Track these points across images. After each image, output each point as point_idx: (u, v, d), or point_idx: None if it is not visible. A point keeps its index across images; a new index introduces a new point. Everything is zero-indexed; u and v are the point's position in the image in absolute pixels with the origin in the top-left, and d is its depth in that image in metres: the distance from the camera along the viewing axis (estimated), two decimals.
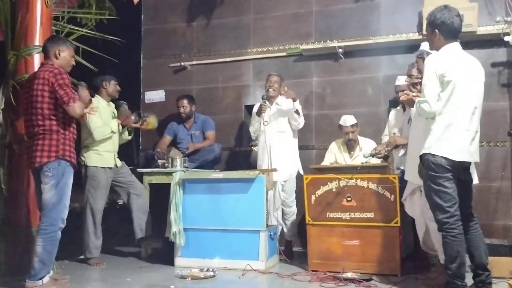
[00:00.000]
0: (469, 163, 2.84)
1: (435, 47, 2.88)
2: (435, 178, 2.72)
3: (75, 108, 3.08)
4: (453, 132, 2.72)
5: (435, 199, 2.74)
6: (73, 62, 3.35)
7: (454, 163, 2.72)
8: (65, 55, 3.24)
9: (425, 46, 3.44)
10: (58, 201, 3.08)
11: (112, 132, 4.18)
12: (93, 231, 4.10)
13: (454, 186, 2.73)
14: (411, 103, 2.92)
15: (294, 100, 4.25)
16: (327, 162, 4.34)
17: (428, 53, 3.32)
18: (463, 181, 2.82)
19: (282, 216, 4.37)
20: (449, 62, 2.73)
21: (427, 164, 2.75)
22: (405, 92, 3.05)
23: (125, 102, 4.44)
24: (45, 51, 3.25)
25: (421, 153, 2.80)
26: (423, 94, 2.73)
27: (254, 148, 5.11)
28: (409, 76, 3.62)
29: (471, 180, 2.92)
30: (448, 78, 2.69)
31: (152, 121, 4.53)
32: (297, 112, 4.28)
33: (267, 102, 4.35)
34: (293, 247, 4.46)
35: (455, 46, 2.82)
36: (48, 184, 3.07)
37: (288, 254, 4.24)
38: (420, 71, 3.41)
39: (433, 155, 2.72)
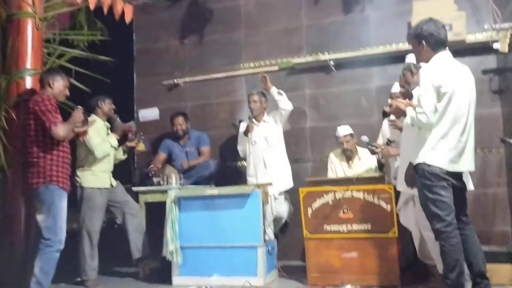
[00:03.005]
0: (462, 173, 2.84)
1: (423, 59, 2.89)
2: (431, 187, 2.71)
3: (58, 131, 3.19)
4: (447, 143, 2.72)
5: (431, 208, 2.72)
6: (67, 93, 3.50)
7: (449, 172, 2.72)
8: (58, 85, 3.40)
9: (411, 58, 3.46)
10: (53, 224, 3.16)
11: (112, 146, 4.19)
12: (90, 253, 4.06)
13: (450, 195, 2.73)
14: (399, 113, 2.90)
15: (269, 89, 4.31)
16: (330, 173, 4.35)
17: (415, 65, 3.34)
18: (457, 189, 2.81)
19: (275, 227, 4.37)
20: (444, 73, 2.74)
21: (422, 174, 2.74)
22: (391, 102, 3.03)
23: (116, 115, 4.41)
24: (40, 81, 3.44)
25: (415, 163, 2.80)
26: (420, 105, 2.72)
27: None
28: (402, 86, 3.64)
29: (465, 187, 2.92)
30: (444, 89, 2.70)
31: (142, 145, 4.55)
32: (279, 93, 4.32)
33: (254, 120, 4.38)
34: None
35: (446, 55, 2.84)
36: (40, 209, 3.18)
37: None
38: (408, 83, 3.44)
39: (428, 165, 2.72)
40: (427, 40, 2.82)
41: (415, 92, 3.29)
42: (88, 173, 4.11)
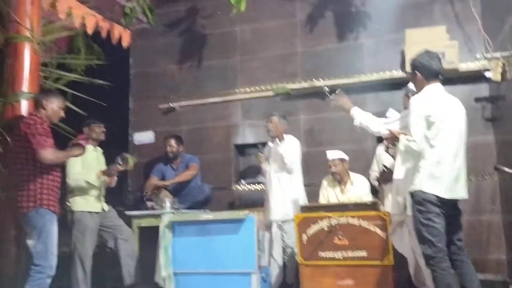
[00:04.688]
0: (457, 200, 2.87)
1: (418, 88, 3.02)
2: (425, 214, 2.78)
3: (46, 155, 3.14)
4: (441, 171, 2.79)
5: (424, 234, 2.78)
6: (62, 114, 3.46)
7: (443, 200, 2.77)
8: (52, 107, 3.38)
9: (410, 84, 3.53)
10: (45, 249, 3.10)
11: (88, 184, 4.07)
12: (83, 279, 3.95)
13: (443, 222, 2.79)
14: (395, 139, 2.97)
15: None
16: (322, 199, 4.33)
17: (413, 91, 3.41)
18: (452, 215, 2.86)
19: (284, 257, 4.29)
20: (433, 103, 2.84)
21: (417, 200, 2.81)
22: (389, 130, 3.09)
23: (127, 156, 4.19)
24: (35, 102, 3.43)
25: (410, 190, 2.86)
26: (411, 133, 2.80)
27: (245, 187, 5.11)
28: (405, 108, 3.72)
29: (460, 213, 2.96)
30: (433, 118, 2.79)
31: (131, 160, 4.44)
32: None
33: (272, 142, 4.39)
34: None
35: (437, 86, 2.95)
36: (30, 234, 3.11)
37: None
38: (406, 108, 3.50)
39: (424, 192, 2.79)
40: (420, 70, 2.96)
41: (403, 118, 3.37)
42: (79, 197, 4.04)
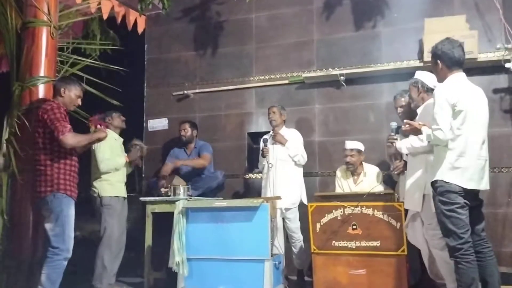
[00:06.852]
0: (478, 190, 2.86)
1: (439, 77, 2.97)
2: (449, 205, 2.75)
3: (66, 140, 3.18)
4: (466, 161, 2.76)
5: (448, 225, 2.75)
6: (79, 102, 3.51)
7: (466, 191, 2.75)
8: (70, 94, 3.42)
9: (419, 74, 3.47)
10: (62, 232, 3.16)
11: (116, 169, 4.16)
12: (109, 261, 4.02)
13: (467, 213, 2.76)
14: (416, 131, 2.93)
15: (282, 144, 4.35)
16: (338, 189, 4.33)
17: (422, 83, 3.35)
18: (473, 207, 2.84)
19: (290, 243, 4.33)
20: (459, 92, 2.79)
21: (440, 191, 2.78)
22: (406, 122, 3.05)
23: (141, 144, 4.42)
24: (54, 89, 3.48)
25: (433, 180, 2.83)
26: (436, 122, 2.75)
27: (257, 176, 5.11)
28: (401, 107, 3.69)
29: (481, 204, 2.95)
30: (459, 107, 2.75)
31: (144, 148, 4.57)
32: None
33: (271, 137, 4.44)
34: (305, 276, 4.37)
35: (461, 76, 2.90)
36: (48, 217, 3.19)
37: (299, 284, 4.16)
38: (412, 98, 3.45)
39: (447, 182, 2.76)
40: (442, 58, 2.89)
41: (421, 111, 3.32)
42: (106, 183, 4.10)
